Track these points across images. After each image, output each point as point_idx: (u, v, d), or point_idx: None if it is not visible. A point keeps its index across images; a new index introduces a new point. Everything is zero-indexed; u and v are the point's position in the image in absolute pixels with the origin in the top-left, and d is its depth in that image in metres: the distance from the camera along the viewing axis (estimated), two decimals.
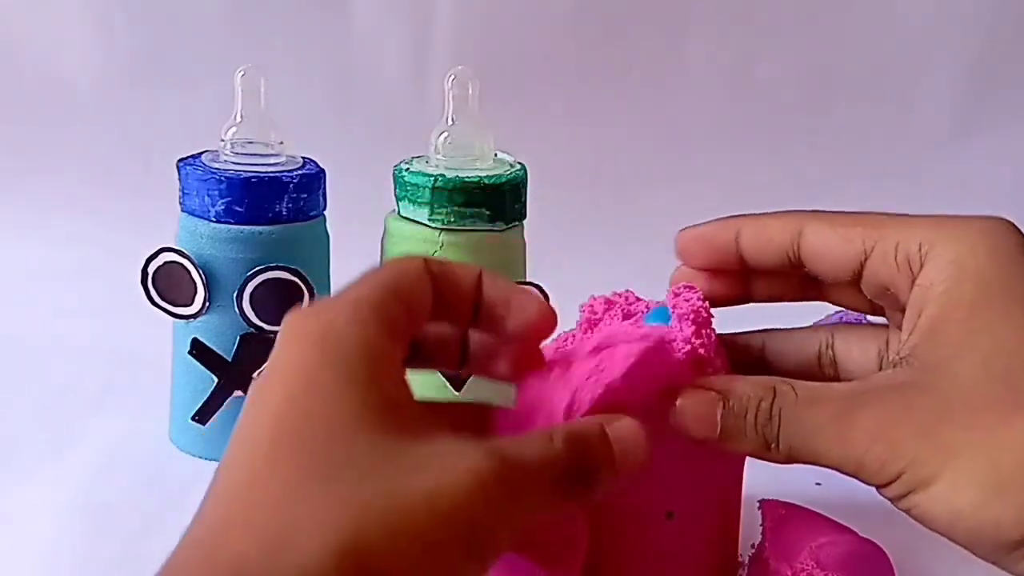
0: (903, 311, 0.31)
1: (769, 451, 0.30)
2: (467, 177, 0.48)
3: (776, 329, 0.37)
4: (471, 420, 0.33)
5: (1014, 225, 0.31)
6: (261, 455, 0.24)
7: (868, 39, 0.99)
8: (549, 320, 0.31)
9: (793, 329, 0.37)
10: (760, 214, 0.35)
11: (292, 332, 0.27)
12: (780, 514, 0.38)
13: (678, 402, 0.32)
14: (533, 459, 0.26)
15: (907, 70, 1.00)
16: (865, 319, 0.38)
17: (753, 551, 0.40)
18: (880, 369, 0.34)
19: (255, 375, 0.50)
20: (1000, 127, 1.00)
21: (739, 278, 0.36)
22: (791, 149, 0.98)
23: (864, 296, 0.34)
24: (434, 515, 0.23)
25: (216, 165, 0.49)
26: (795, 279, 0.36)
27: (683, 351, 0.33)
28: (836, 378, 0.35)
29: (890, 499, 0.28)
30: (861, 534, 0.39)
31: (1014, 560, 0.26)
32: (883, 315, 0.35)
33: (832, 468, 0.30)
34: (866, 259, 0.32)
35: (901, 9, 0.99)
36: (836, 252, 0.32)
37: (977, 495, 0.26)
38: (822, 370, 0.36)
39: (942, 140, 1.00)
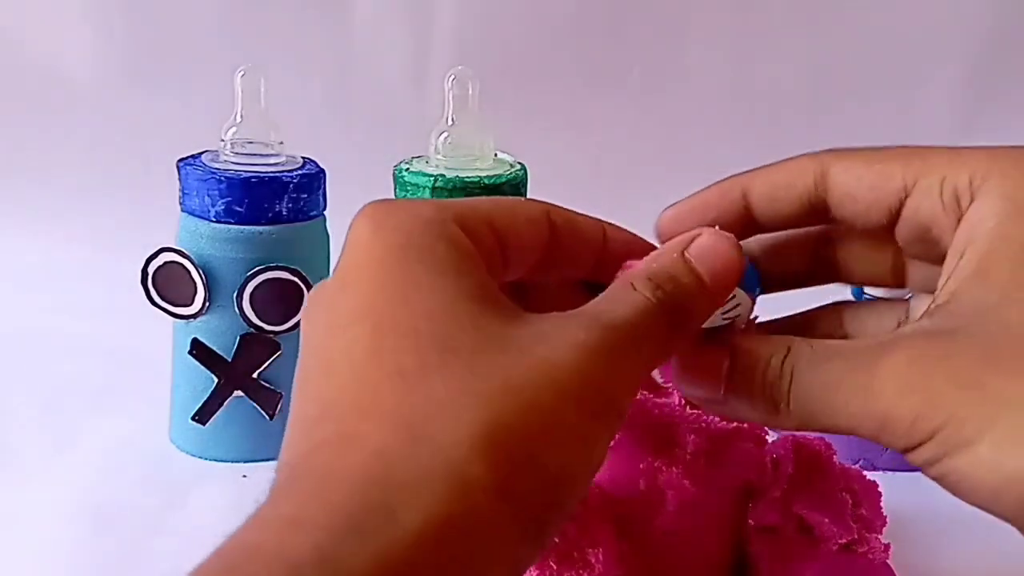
0: (940, 262, 0.27)
1: (778, 414, 0.27)
2: (467, 177, 0.48)
3: (783, 318, 0.33)
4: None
5: None
6: (362, 347, 0.23)
7: (868, 39, 0.99)
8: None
9: (801, 313, 0.34)
10: (765, 165, 0.31)
11: (372, 223, 0.25)
12: (768, 547, 0.37)
13: (680, 360, 0.28)
14: (627, 316, 0.25)
15: (908, 70, 1.00)
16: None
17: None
18: None
19: (255, 375, 0.50)
20: (1000, 127, 1.00)
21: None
22: (791, 149, 0.98)
23: (888, 254, 0.30)
24: (557, 389, 0.22)
25: (216, 165, 0.49)
26: (806, 249, 0.32)
27: None
28: None
29: (919, 464, 0.24)
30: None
31: None
32: (903, 285, 0.31)
33: (848, 432, 0.25)
34: (906, 196, 0.27)
35: (902, 9, 0.99)
36: (872, 190, 0.28)
37: None
38: None
39: (942, 140, 1.00)
